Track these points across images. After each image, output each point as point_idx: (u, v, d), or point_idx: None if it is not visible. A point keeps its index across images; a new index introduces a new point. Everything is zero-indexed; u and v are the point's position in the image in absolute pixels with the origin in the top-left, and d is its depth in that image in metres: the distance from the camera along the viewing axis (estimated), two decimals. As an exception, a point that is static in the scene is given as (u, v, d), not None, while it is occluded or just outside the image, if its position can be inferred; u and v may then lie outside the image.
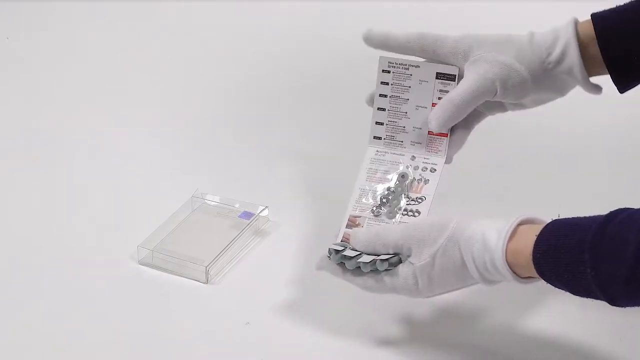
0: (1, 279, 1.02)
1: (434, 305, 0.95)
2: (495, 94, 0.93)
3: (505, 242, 0.80)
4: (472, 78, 0.92)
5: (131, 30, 1.58)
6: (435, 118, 0.93)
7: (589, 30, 0.92)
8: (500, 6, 1.59)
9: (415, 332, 0.93)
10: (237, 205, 1.11)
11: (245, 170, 1.21)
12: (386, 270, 0.87)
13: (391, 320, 0.95)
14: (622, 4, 0.92)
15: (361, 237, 0.90)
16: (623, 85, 0.93)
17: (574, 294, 0.78)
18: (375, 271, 0.88)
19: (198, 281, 1.01)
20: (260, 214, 1.09)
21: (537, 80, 0.92)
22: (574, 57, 0.91)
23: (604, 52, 0.91)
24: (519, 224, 0.81)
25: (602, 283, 0.74)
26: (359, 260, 0.88)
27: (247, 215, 1.09)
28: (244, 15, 1.61)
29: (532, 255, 0.79)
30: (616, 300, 0.75)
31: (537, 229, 0.79)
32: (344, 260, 0.89)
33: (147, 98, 1.39)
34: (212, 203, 1.12)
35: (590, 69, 0.92)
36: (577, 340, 0.91)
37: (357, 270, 0.89)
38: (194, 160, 1.23)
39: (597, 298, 0.76)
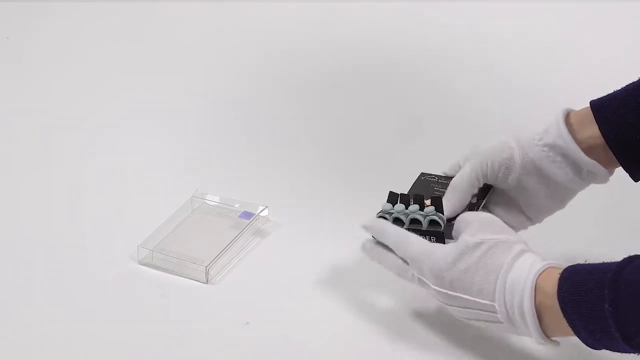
0: (1, 278, 1.02)
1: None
2: (487, 168, 0.93)
3: (535, 278, 0.80)
4: (469, 161, 0.95)
5: (131, 31, 1.58)
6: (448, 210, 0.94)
7: (581, 114, 0.92)
8: (500, 6, 1.59)
9: (420, 331, 0.93)
10: (237, 205, 1.11)
11: (245, 170, 1.21)
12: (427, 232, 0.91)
13: (391, 320, 0.95)
14: (618, 89, 0.92)
15: (387, 231, 0.91)
16: (633, 171, 0.92)
17: (592, 337, 0.77)
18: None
19: (198, 281, 1.01)
20: (260, 214, 1.09)
21: (527, 155, 0.92)
22: (560, 126, 0.91)
23: (608, 139, 0.90)
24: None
25: (619, 318, 0.74)
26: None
27: (247, 215, 1.09)
28: (244, 16, 1.61)
29: (557, 293, 0.78)
30: (631, 338, 0.75)
31: (557, 271, 0.80)
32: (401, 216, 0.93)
33: (147, 98, 1.39)
34: (212, 203, 1.12)
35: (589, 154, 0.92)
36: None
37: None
38: (194, 160, 1.23)
39: (612, 338, 0.76)
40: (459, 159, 0.97)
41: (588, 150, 0.91)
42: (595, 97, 0.93)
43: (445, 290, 0.85)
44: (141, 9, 1.63)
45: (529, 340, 0.84)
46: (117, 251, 1.05)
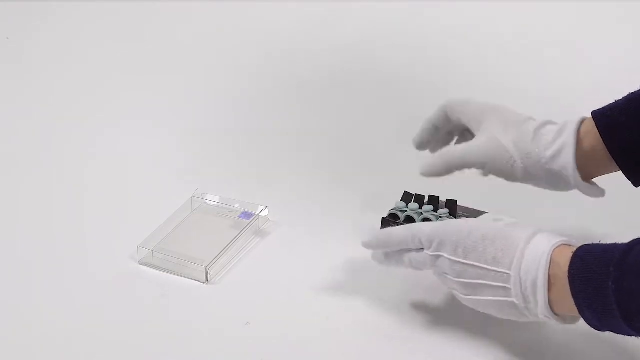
0: (1, 278, 1.02)
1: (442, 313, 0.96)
2: (484, 168, 0.97)
3: (551, 251, 0.82)
4: (473, 144, 0.98)
5: (131, 31, 1.58)
6: (427, 163, 0.99)
7: (592, 127, 0.95)
8: (500, 6, 1.59)
9: (421, 331, 0.93)
10: (237, 205, 1.11)
11: (245, 170, 1.21)
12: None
13: (392, 319, 0.95)
14: (619, 98, 0.95)
15: (394, 234, 0.91)
16: (635, 178, 0.95)
17: (592, 314, 0.78)
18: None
19: (198, 281, 1.01)
20: (260, 214, 1.09)
21: (530, 172, 0.96)
22: (568, 156, 0.94)
23: (609, 146, 0.93)
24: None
25: (620, 295, 0.75)
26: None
27: (247, 215, 1.09)
28: (244, 16, 1.61)
29: (568, 271, 0.80)
30: (631, 317, 0.76)
31: (571, 249, 0.81)
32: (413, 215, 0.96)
33: (147, 98, 1.39)
34: (212, 203, 1.12)
35: (596, 168, 0.95)
36: (577, 341, 0.91)
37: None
38: (194, 160, 1.23)
39: (613, 317, 0.77)
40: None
41: (587, 158, 0.94)
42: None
43: (459, 260, 0.85)
44: (141, 9, 1.63)
45: (531, 340, 0.85)
46: (117, 251, 1.05)
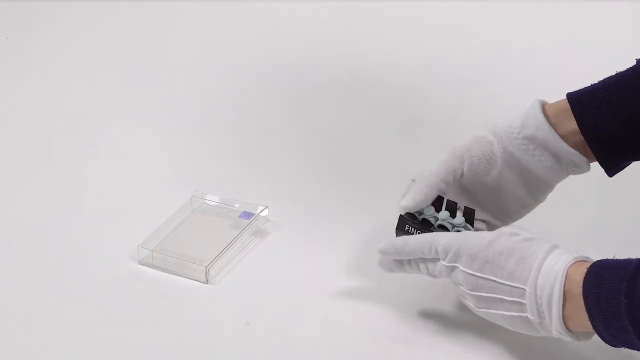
0: (1, 279, 1.02)
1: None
2: (464, 165, 0.94)
3: (567, 267, 0.81)
4: (443, 156, 0.95)
5: (131, 31, 1.58)
6: (407, 197, 0.94)
7: (557, 107, 0.93)
8: (500, 7, 1.59)
9: (421, 331, 0.93)
10: (237, 205, 1.11)
11: (245, 170, 1.21)
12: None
13: (392, 319, 0.95)
14: (595, 82, 0.93)
15: (411, 243, 0.90)
16: (609, 166, 0.93)
17: (605, 330, 0.78)
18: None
19: (198, 281, 1.01)
20: (260, 214, 1.09)
21: (507, 148, 0.93)
22: (539, 117, 0.91)
23: (584, 132, 0.91)
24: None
25: (632, 311, 0.75)
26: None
27: (247, 215, 1.09)
28: (245, 16, 1.61)
29: (582, 287, 0.79)
30: None
31: (586, 265, 0.81)
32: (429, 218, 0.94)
33: (147, 98, 1.39)
34: (212, 203, 1.12)
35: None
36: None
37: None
38: (194, 160, 1.23)
39: (626, 332, 0.76)
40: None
41: (567, 143, 0.92)
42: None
43: (474, 273, 0.85)
44: (141, 10, 1.63)
45: (530, 340, 0.85)
46: (117, 251, 1.05)
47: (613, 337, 0.78)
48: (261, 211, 1.10)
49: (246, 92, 1.40)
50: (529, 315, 0.83)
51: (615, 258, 0.80)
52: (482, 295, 0.85)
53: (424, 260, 0.90)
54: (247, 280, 1.02)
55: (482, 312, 0.87)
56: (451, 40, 1.52)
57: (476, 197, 0.96)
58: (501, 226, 0.96)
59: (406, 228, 0.94)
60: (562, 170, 0.94)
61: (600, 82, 0.92)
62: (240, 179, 1.19)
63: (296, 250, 1.05)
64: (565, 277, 0.80)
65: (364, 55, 1.49)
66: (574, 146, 0.92)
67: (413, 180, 0.96)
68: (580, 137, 0.91)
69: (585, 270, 0.80)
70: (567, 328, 0.81)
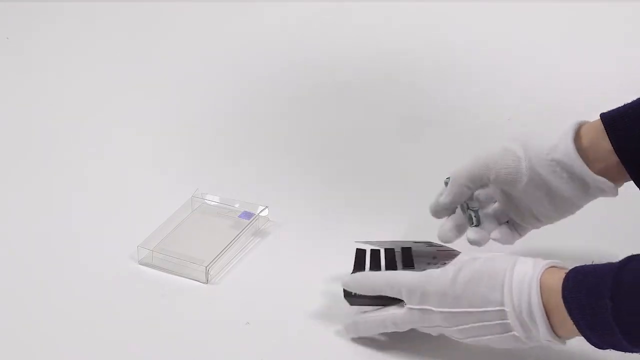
0: (1, 279, 1.02)
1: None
2: (489, 175, 0.93)
3: (539, 276, 0.81)
4: (470, 160, 0.95)
5: (132, 31, 1.58)
6: (443, 197, 0.96)
7: (592, 127, 0.92)
8: (499, 7, 1.59)
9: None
10: (237, 205, 1.11)
11: (245, 170, 1.21)
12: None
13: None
14: (629, 102, 0.91)
15: (372, 280, 0.90)
16: None
17: (592, 333, 0.78)
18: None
19: (198, 281, 1.01)
20: (260, 214, 1.09)
21: (534, 166, 0.92)
22: (568, 143, 0.90)
23: (620, 154, 0.90)
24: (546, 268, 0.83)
25: (618, 314, 0.75)
26: None
27: (247, 215, 1.09)
28: (245, 16, 1.61)
29: (562, 294, 0.79)
30: (630, 333, 0.75)
31: (559, 270, 0.81)
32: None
33: (147, 98, 1.39)
34: (212, 203, 1.12)
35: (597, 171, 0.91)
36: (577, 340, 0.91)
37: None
38: (194, 160, 1.23)
39: (613, 335, 0.76)
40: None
41: (600, 165, 0.91)
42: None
43: (449, 310, 0.85)
44: (141, 9, 1.63)
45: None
46: (117, 251, 1.05)
47: (600, 339, 0.78)
48: (261, 211, 1.10)
49: (246, 92, 1.40)
50: (516, 333, 0.82)
51: (592, 264, 0.80)
52: (465, 328, 0.85)
53: (386, 309, 0.89)
54: (247, 280, 1.02)
55: (469, 341, 0.86)
56: (451, 40, 1.52)
57: (511, 201, 0.96)
58: (530, 229, 0.97)
59: (353, 293, 0.92)
60: (588, 194, 0.93)
61: (634, 101, 0.91)
62: (240, 179, 1.19)
63: (296, 250, 1.05)
64: (540, 286, 0.80)
65: (364, 55, 1.49)
66: (608, 167, 0.91)
67: (446, 182, 0.97)
68: (614, 158, 0.90)
69: (560, 276, 0.80)
70: (557, 335, 0.81)
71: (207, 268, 1.00)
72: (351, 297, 0.92)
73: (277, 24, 1.58)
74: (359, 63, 1.47)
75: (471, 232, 0.96)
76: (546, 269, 0.82)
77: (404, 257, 0.95)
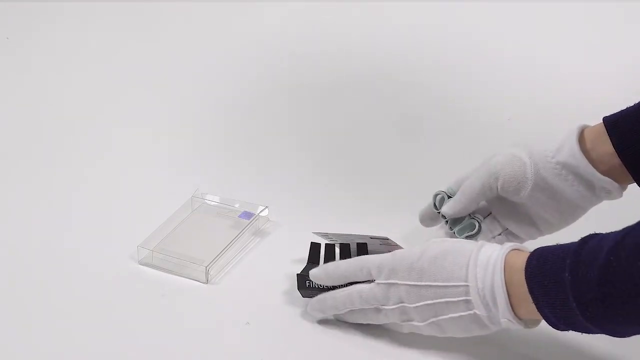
0: (1, 278, 1.02)
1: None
2: (497, 182, 0.94)
3: (504, 256, 0.82)
4: (478, 169, 0.96)
5: (132, 31, 1.58)
6: (447, 206, 0.97)
7: (594, 130, 0.92)
8: (499, 6, 1.59)
9: (417, 334, 0.94)
10: (237, 205, 1.11)
11: (245, 170, 1.21)
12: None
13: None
14: (631, 105, 0.92)
15: (343, 266, 0.91)
16: None
17: (551, 312, 0.79)
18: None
19: (198, 281, 1.01)
20: (260, 214, 1.09)
21: (540, 170, 0.93)
22: (573, 144, 0.91)
23: (623, 157, 0.91)
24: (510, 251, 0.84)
25: (576, 287, 0.76)
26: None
27: (247, 215, 1.09)
28: (245, 16, 1.61)
29: (525, 271, 0.80)
30: (587, 308, 0.76)
31: (525, 253, 0.82)
32: None
33: (147, 98, 1.39)
34: (212, 203, 1.12)
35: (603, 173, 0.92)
36: (577, 339, 0.91)
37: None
38: (194, 160, 1.23)
39: (570, 310, 0.77)
40: (467, 173, 0.99)
41: (603, 167, 0.92)
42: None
43: (414, 283, 0.86)
44: (142, 9, 1.63)
45: (528, 340, 0.85)
46: (117, 251, 1.05)
47: (558, 319, 0.79)
48: (261, 211, 1.10)
49: (246, 92, 1.40)
50: (477, 311, 0.83)
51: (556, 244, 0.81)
52: (427, 304, 0.86)
53: (356, 290, 0.90)
54: (247, 280, 1.02)
55: (429, 325, 0.87)
56: (452, 39, 1.52)
57: (510, 211, 0.97)
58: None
59: (307, 284, 0.94)
60: (594, 196, 0.93)
61: (635, 104, 0.92)
62: (240, 179, 1.19)
63: (296, 250, 1.05)
64: (504, 265, 0.82)
65: (364, 55, 1.49)
66: (610, 169, 0.92)
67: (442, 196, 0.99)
68: (616, 160, 0.91)
69: (524, 257, 0.81)
70: (516, 315, 0.82)
71: (207, 268, 1.01)
72: (305, 289, 0.94)
73: (277, 24, 1.58)
74: (359, 63, 1.47)
75: None
76: (512, 249, 0.83)
77: (359, 253, 0.96)
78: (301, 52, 1.50)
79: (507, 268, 0.82)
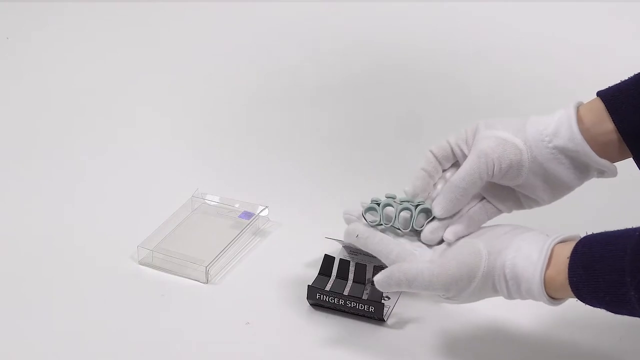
0: (1, 278, 1.02)
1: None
2: (493, 170, 0.90)
3: (543, 274, 0.82)
4: (470, 158, 0.91)
5: (132, 31, 1.58)
6: (438, 204, 0.92)
7: (590, 107, 0.91)
8: (499, 5, 1.59)
9: (420, 331, 0.94)
10: (237, 205, 1.11)
11: (245, 170, 1.21)
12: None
13: (392, 319, 0.95)
14: (625, 79, 0.91)
15: (395, 277, 0.88)
16: None
17: (615, 313, 0.79)
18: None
19: (198, 281, 1.01)
20: (260, 214, 1.09)
21: (536, 156, 0.91)
22: (572, 125, 0.89)
23: (621, 129, 0.89)
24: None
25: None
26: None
27: (247, 215, 1.09)
28: (246, 16, 1.61)
29: (569, 280, 0.80)
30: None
31: (567, 251, 0.81)
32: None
33: (147, 98, 1.39)
34: (212, 203, 1.12)
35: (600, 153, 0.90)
36: (576, 339, 0.91)
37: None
38: (194, 160, 1.23)
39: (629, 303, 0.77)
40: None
41: (600, 146, 0.90)
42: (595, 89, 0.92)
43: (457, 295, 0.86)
44: (143, 9, 1.63)
45: (528, 340, 0.85)
46: (117, 251, 1.05)
47: (624, 314, 0.78)
48: (261, 211, 1.10)
49: (246, 92, 1.40)
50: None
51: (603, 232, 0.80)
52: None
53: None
54: (247, 280, 1.02)
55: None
56: (452, 38, 1.52)
57: (494, 190, 0.94)
58: (506, 212, 0.95)
59: (317, 296, 0.94)
60: (587, 177, 0.92)
61: (630, 78, 0.90)
62: (240, 179, 1.19)
63: (296, 250, 1.05)
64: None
65: (364, 55, 1.49)
66: (608, 144, 0.90)
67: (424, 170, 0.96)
68: (615, 136, 0.89)
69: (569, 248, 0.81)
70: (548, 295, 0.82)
71: (207, 268, 1.01)
72: (315, 300, 0.95)
73: (277, 25, 1.58)
74: (359, 63, 1.47)
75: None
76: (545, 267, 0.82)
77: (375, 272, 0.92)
78: (301, 52, 1.50)
79: (546, 282, 0.82)
